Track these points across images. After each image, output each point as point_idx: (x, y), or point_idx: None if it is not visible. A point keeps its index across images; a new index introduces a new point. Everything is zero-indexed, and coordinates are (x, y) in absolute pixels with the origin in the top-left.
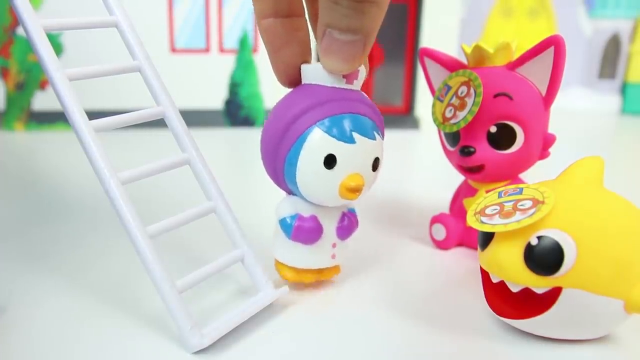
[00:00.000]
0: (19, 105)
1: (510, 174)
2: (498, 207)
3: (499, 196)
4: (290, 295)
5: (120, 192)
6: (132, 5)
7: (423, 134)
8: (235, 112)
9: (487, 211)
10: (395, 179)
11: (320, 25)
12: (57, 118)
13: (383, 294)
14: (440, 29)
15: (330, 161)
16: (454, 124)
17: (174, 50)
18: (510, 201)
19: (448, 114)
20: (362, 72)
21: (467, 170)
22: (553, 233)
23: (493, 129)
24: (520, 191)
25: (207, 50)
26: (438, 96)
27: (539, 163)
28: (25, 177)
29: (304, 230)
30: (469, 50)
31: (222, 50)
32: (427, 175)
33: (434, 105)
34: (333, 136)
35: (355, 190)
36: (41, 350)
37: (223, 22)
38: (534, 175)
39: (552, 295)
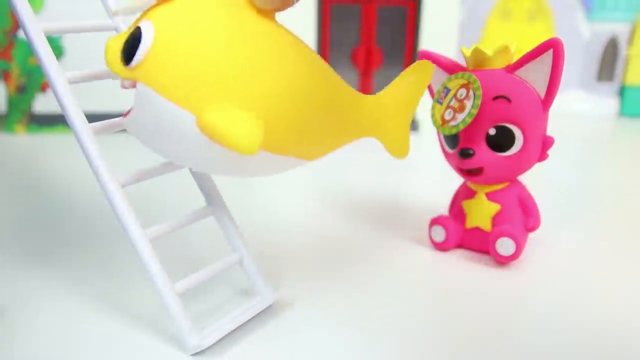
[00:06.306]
0: (20, 108)
1: (509, 176)
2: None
3: (440, 103)
4: (289, 298)
5: (119, 194)
6: None
7: (422, 136)
8: None
9: (447, 117)
10: (395, 181)
11: None
12: (58, 121)
13: (382, 295)
14: (440, 32)
15: None
16: (453, 126)
17: None
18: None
19: (447, 117)
20: None
21: (466, 172)
22: (143, 23)
23: (492, 132)
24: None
25: None
26: (437, 98)
27: (538, 165)
28: (26, 180)
29: None
30: (468, 52)
31: None
32: (426, 177)
33: (433, 108)
34: None
35: None
36: (42, 350)
37: None
38: (533, 177)
39: None
